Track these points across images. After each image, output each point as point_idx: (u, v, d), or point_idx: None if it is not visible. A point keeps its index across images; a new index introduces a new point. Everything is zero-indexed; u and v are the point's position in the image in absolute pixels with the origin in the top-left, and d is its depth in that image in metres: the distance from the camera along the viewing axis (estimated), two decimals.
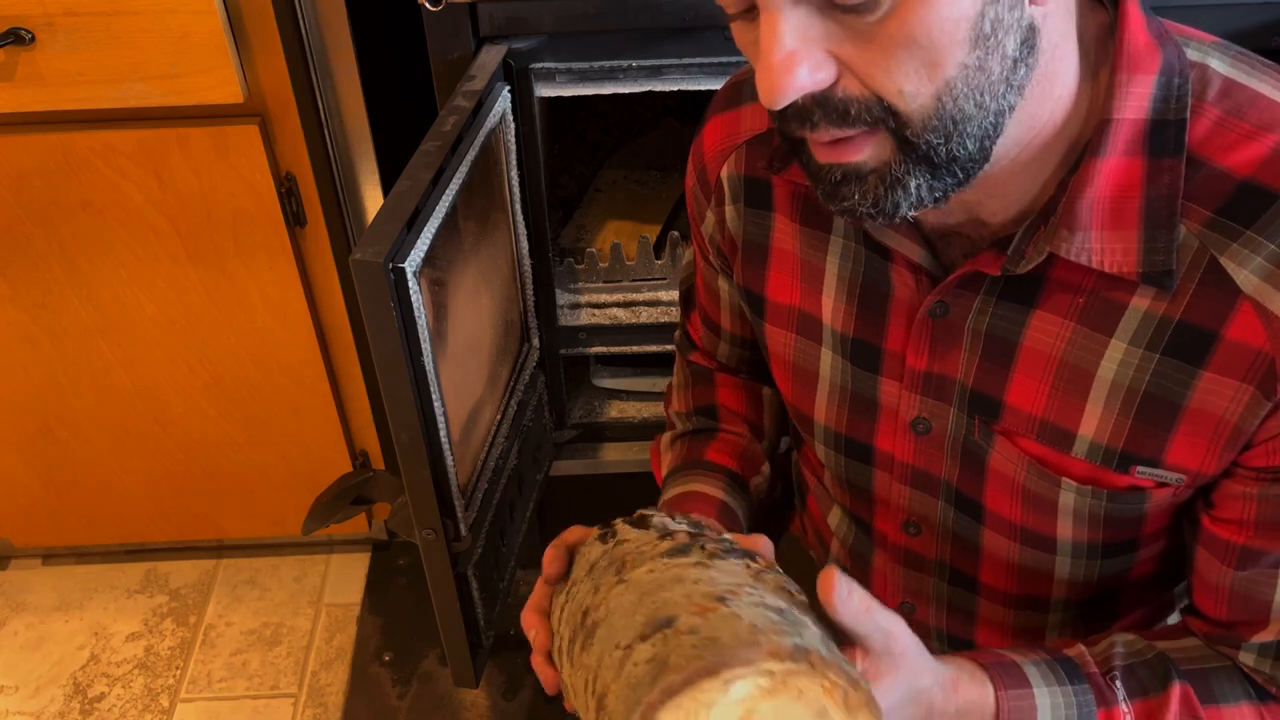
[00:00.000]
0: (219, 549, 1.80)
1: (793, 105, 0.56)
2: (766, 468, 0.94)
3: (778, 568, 0.63)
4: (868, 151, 0.57)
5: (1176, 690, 0.68)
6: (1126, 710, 0.69)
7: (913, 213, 0.60)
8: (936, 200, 0.59)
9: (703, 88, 1.20)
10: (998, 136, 0.57)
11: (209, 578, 1.77)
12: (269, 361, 1.48)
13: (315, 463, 1.59)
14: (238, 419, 1.55)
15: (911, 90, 0.54)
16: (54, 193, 1.31)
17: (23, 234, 1.34)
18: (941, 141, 0.56)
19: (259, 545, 1.79)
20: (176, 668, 1.63)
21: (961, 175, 0.58)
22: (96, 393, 1.50)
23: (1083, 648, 0.72)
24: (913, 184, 0.58)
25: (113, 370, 1.48)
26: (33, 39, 1.16)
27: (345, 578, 1.76)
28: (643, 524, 0.66)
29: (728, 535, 0.65)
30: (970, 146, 0.57)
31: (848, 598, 0.57)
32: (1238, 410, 0.62)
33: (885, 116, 0.55)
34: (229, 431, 1.56)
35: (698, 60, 1.18)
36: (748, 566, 0.60)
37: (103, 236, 1.35)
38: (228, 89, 1.22)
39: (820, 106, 0.56)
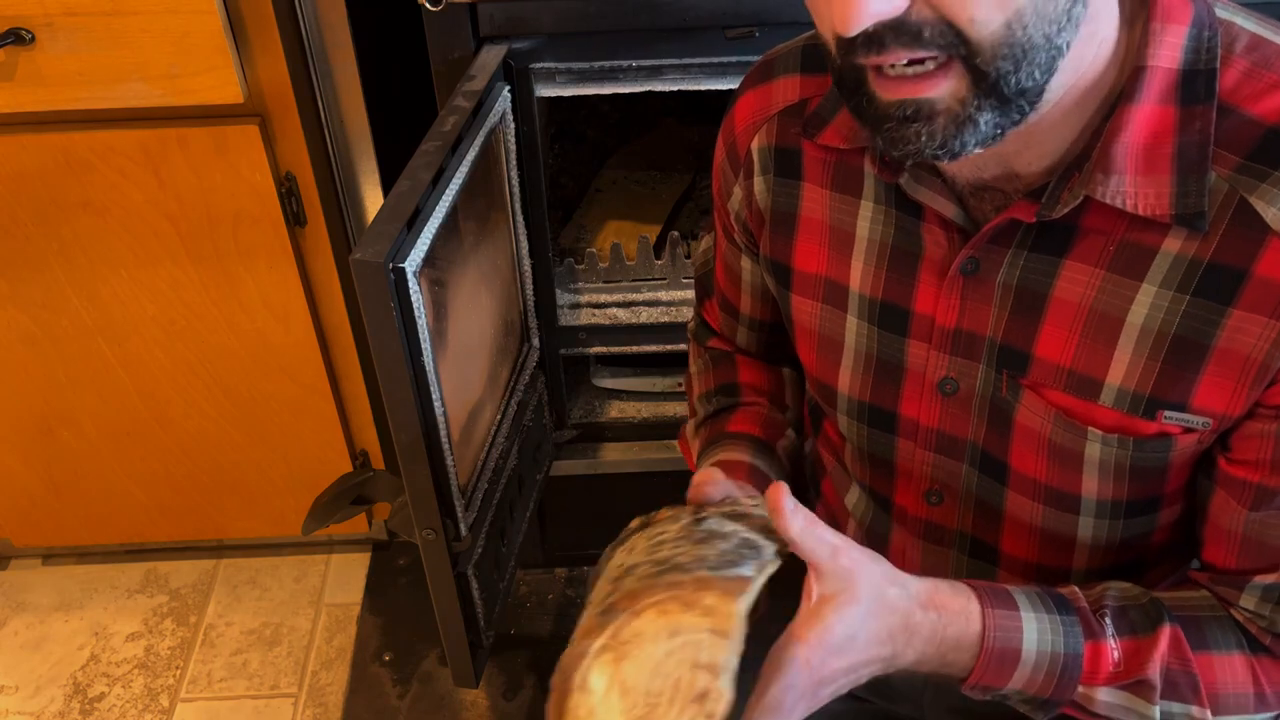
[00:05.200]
0: (219, 549, 1.80)
1: (863, 32, 0.57)
2: (791, 433, 0.94)
3: (690, 508, 0.69)
4: (944, 87, 0.58)
5: (1166, 632, 0.69)
6: (1114, 645, 0.69)
7: (979, 149, 0.60)
8: (996, 137, 0.60)
9: (703, 88, 1.20)
10: (1054, 74, 0.59)
11: (209, 578, 1.77)
12: (269, 361, 1.48)
13: (315, 463, 1.59)
14: (238, 419, 1.55)
15: (983, 17, 0.56)
16: (54, 193, 1.31)
17: (23, 234, 1.34)
18: (1011, 70, 0.57)
19: (259, 545, 1.79)
20: (176, 668, 1.63)
21: (1026, 108, 0.60)
22: (96, 393, 1.51)
23: (1076, 588, 0.73)
24: (982, 120, 0.59)
25: (113, 370, 1.48)
26: (33, 39, 1.16)
27: (345, 578, 1.76)
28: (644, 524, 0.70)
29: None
30: (1038, 77, 0.58)
31: (793, 513, 0.62)
32: (1264, 346, 0.63)
33: (958, 43, 0.57)
34: (229, 431, 1.56)
35: (698, 60, 1.18)
36: (629, 544, 0.65)
37: (103, 236, 1.35)
38: (228, 89, 1.22)
39: (892, 30, 0.57)
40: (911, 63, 0.58)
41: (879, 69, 0.59)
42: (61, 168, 1.29)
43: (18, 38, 1.16)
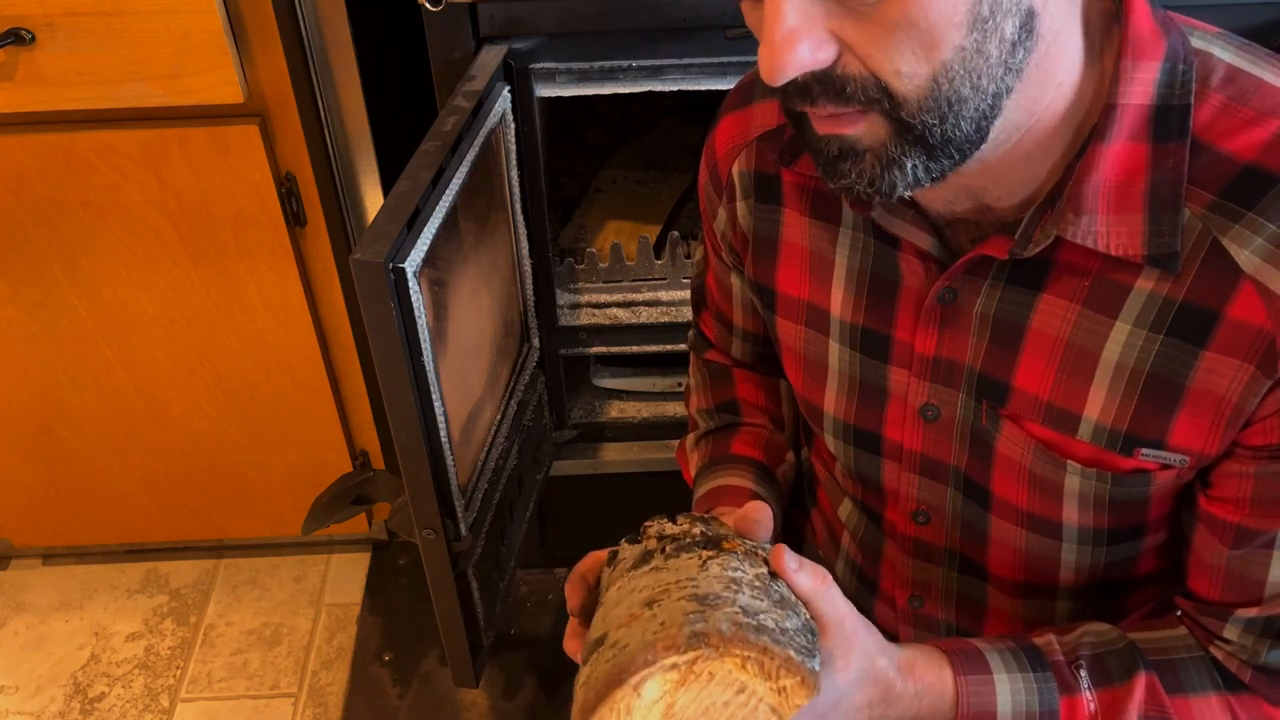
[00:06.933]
0: (219, 549, 1.80)
1: (794, 81, 0.57)
2: (790, 456, 0.95)
3: (750, 543, 0.66)
4: (862, 129, 0.59)
5: (1142, 680, 0.69)
6: (1090, 698, 0.70)
7: (909, 192, 0.60)
8: (934, 180, 0.60)
9: (703, 88, 1.20)
10: (995, 118, 0.58)
11: (209, 578, 1.77)
12: (269, 361, 1.48)
13: (315, 463, 1.59)
14: (238, 419, 1.55)
15: (908, 71, 0.55)
16: (54, 193, 1.31)
17: (23, 234, 1.34)
18: (936, 123, 0.57)
19: (259, 545, 1.79)
20: (177, 668, 1.63)
21: (958, 156, 0.59)
22: (96, 393, 1.51)
23: (1052, 636, 0.73)
24: (909, 165, 0.59)
25: (113, 370, 1.48)
26: (33, 39, 1.16)
27: (345, 578, 1.76)
28: (637, 538, 0.68)
29: (718, 529, 0.67)
30: (966, 128, 0.58)
31: (798, 571, 0.62)
32: (1238, 389, 0.63)
33: (881, 97, 0.56)
34: (229, 431, 1.56)
35: (698, 60, 1.18)
36: (700, 557, 0.63)
37: (103, 236, 1.35)
38: (228, 89, 1.22)
39: (820, 83, 0.57)
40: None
41: None
42: (61, 168, 1.29)
43: (18, 38, 1.16)
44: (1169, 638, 0.73)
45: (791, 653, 0.57)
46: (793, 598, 0.62)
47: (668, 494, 0.92)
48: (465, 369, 1.12)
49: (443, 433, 1.01)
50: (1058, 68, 0.60)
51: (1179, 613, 0.76)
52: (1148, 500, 0.71)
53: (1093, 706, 0.70)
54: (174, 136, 1.27)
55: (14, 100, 1.21)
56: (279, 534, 1.71)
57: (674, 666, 0.56)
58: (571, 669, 0.64)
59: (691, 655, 0.56)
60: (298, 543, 1.77)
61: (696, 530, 0.66)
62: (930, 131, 0.57)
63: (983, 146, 0.59)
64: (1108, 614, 0.81)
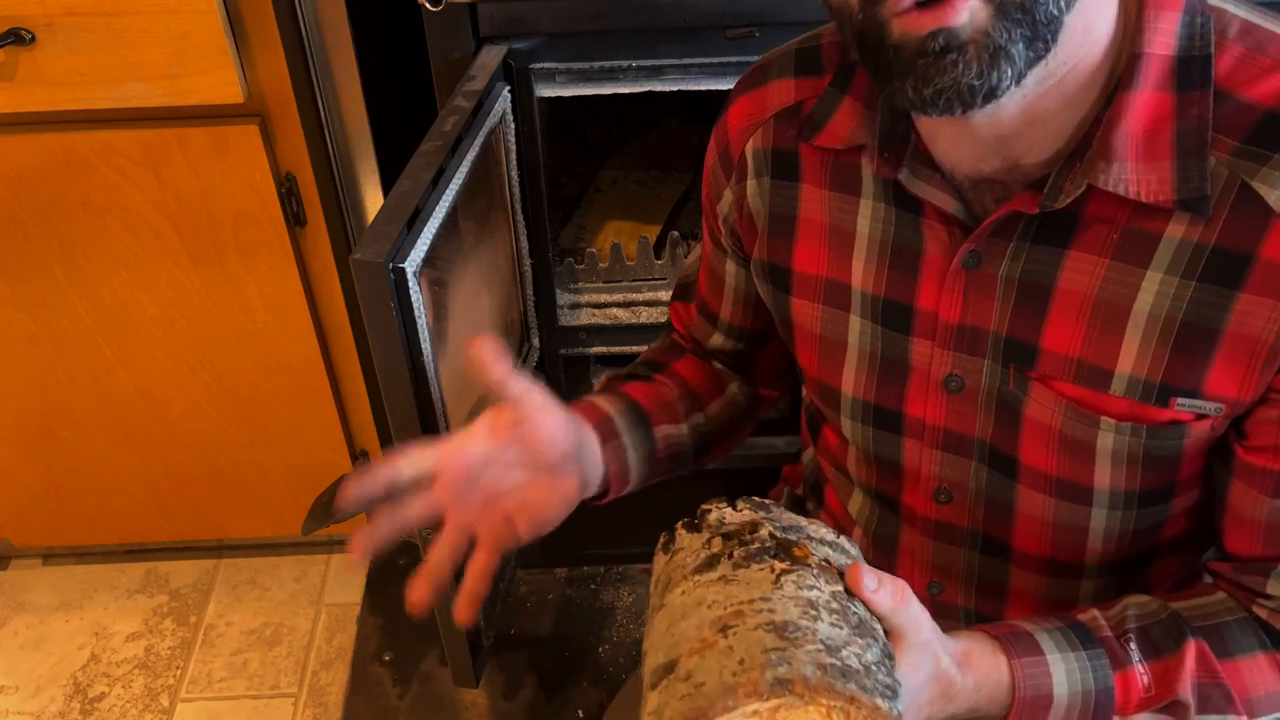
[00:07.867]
0: (219, 549, 1.80)
1: None
2: (685, 428, 0.91)
3: (821, 549, 0.63)
4: (964, 14, 0.57)
5: (1191, 647, 0.69)
6: (1142, 671, 0.70)
7: (1014, 86, 0.59)
8: (1031, 65, 0.59)
9: (703, 88, 1.20)
10: (1070, 9, 0.58)
11: (209, 578, 1.77)
12: (269, 361, 1.48)
13: (315, 463, 1.59)
14: (238, 419, 1.55)
15: None
16: (54, 193, 1.31)
17: (23, 234, 1.34)
18: None
19: (259, 545, 1.79)
20: (177, 668, 1.63)
21: (1050, 41, 0.59)
22: (96, 393, 1.51)
23: (1096, 612, 0.73)
24: (1014, 52, 0.58)
25: (113, 370, 1.48)
26: (33, 39, 1.16)
27: (345, 578, 1.76)
28: (696, 526, 0.66)
29: (780, 518, 0.65)
30: (1064, 6, 0.58)
31: (877, 591, 0.61)
32: (1274, 329, 0.63)
33: None
34: (229, 431, 1.56)
35: (698, 60, 1.18)
36: (772, 570, 0.60)
37: (103, 236, 1.35)
38: (228, 89, 1.22)
39: None
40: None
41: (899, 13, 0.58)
42: (61, 168, 1.29)
43: (18, 38, 1.16)
44: (1210, 603, 0.73)
45: (879, 700, 0.56)
46: (870, 618, 0.61)
47: (668, 493, 0.92)
48: (465, 369, 1.12)
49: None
50: (1103, 6, 0.62)
51: (1211, 579, 0.76)
52: (1180, 455, 0.71)
53: (1146, 679, 0.69)
54: (174, 136, 1.27)
55: (14, 100, 1.21)
56: (279, 534, 1.71)
57: (755, 713, 0.54)
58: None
59: (775, 703, 0.54)
60: (298, 543, 1.77)
61: (764, 531, 0.63)
62: (1041, 3, 0.57)
63: (1036, 71, 0.59)
64: (1130, 590, 0.81)
